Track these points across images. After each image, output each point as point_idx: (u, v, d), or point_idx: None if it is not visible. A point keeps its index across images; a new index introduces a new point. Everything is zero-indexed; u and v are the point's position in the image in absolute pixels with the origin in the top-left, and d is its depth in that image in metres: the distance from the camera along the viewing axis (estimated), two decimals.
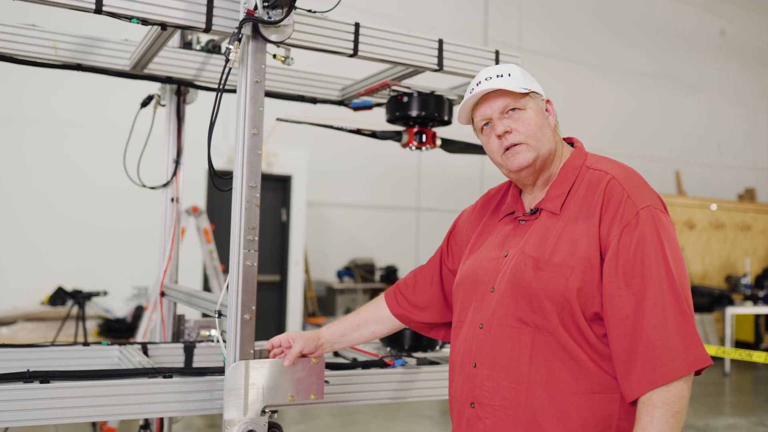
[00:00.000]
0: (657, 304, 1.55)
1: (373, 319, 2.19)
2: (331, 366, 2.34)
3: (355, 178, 10.36)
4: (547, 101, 1.84)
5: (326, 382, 2.17)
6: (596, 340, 1.63)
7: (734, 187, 13.13)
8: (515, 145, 1.77)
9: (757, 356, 3.73)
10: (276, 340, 2.08)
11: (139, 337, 5.47)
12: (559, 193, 1.77)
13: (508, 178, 1.92)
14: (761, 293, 10.51)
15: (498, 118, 1.79)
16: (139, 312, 7.31)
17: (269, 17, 2.01)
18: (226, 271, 6.52)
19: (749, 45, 14.24)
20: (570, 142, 1.91)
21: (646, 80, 12.76)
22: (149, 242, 7.80)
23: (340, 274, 9.85)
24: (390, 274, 10.08)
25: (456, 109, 2.94)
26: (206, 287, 7.48)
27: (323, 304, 9.85)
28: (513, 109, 1.78)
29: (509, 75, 1.79)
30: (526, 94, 1.79)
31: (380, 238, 10.56)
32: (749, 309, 9.92)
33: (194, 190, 7.64)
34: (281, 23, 2.03)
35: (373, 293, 10.04)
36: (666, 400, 1.52)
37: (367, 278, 9.94)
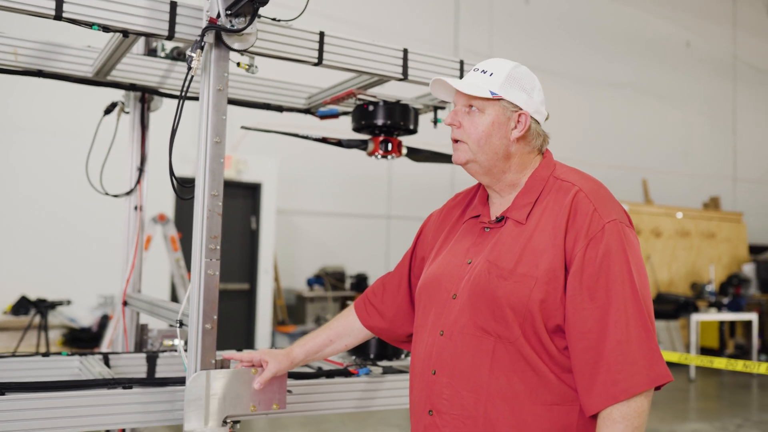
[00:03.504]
0: (620, 319, 1.55)
1: (345, 333, 2.16)
2: (294, 375, 2.33)
3: (325, 186, 10.35)
4: (520, 114, 1.77)
5: (289, 391, 2.16)
6: (557, 352, 1.63)
7: (699, 195, 13.35)
8: (458, 141, 1.80)
9: (719, 362, 3.79)
10: (247, 356, 2.04)
11: (104, 346, 5.40)
12: (525, 203, 1.76)
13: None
14: (725, 300, 10.69)
15: (458, 110, 1.80)
16: (104, 321, 7.20)
17: (232, 25, 2.00)
18: None
19: (713, 57, 14.53)
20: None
21: (614, 90, 12.96)
22: (115, 250, 7.73)
23: (310, 282, 9.82)
24: (360, 282, 10.07)
25: (422, 118, 2.96)
26: (174, 296, 7.41)
27: (293, 313, 9.81)
28: (474, 108, 1.77)
29: (491, 75, 1.77)
30: (495, 101, 1.76)
31: (351, 245, 10.55)
32: (714, 316, 10.07)
33: (162, 198, 7.56)
34: (244, 32, 2.02)
35: (344, 301, 10.02)
36: (626, 416, 1.53)
37: (338, 286, 9.92)
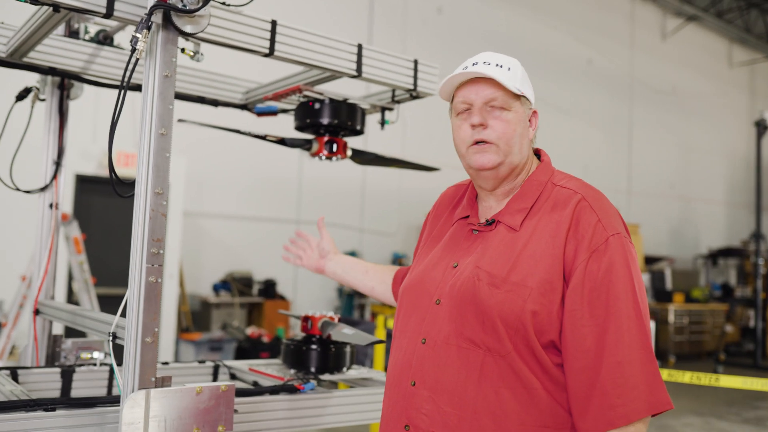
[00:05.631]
0: (622, 339, 1.45)
1: (378, 278, 2.21)
2: (236, 392, 2.13)
3: (234, 188, 10.01)
4: (534, 112, 1.71)
5: (235, 411, 1.97)
6: (552, 367, 1.51)
7: None
8: (485, 142, 1.63)
9: None
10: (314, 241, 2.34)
11: None
12: (520, 208, 1.64)
13: (468, 175, 1.76)
14: None
15: (480, 108, 1.64)
16: None
17: (183, 5, 1.80)
18: (97, 284, 6.06)
19: (612, 75, 15.14)
20: (537, 153, 1.80)
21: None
22: (7, 251, 7.16)
23: (217, 288, 9.45)
24: (269, 288, 9.78)
25: (370, 118, 2.83)
26: (71, 302, 6.92)
27: (198, 319, 9.41)
28: (498, 106, 1.63)
29: (509, 69, 1.64)
30: (517, 97, 1.65)
31: (259, 250, 10.24)
32: None
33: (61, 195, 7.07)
34: (197, 13, 1.82)
35: (251, 308, 9.72)
36: None
37: (245, 292, 9.60)
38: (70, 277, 6.65)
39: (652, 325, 8.12)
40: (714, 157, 17.56)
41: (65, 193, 7.14)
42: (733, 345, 13.77)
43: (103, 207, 7.68)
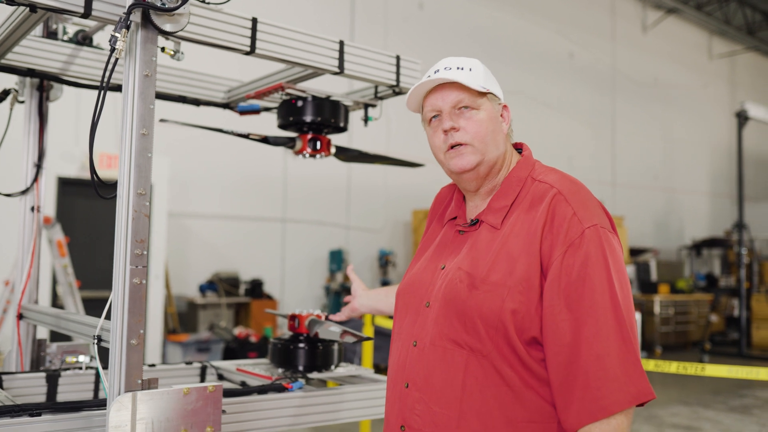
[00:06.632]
0: (600, 332, 1.44)
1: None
2: (224, 393, 2.12)
3: (218, 188, 9.96)
4: (504, 107, 1.72)
5: (223, 411, 1.96)
6: (535, 364, 1.52)
7: None
8: (460, 145, 1.65)
9: None
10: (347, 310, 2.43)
11: None
12: (501, 206, 1.65)
13: (451, 179, 1.78)
14: None
15: (448, 113, 1.66)
16: None
17: (162, 3, 1.79)
18: (81, 288, 6.02)
19: (594, 69, 15.21)
20: (518, 147, 1.80)
21: (506, 96, 13.25)
22: None
23: (203, 289, 9.40)
24: (255, 288, 9.74)
25: (353, 115, 2.82)
26: (55, 305, 6.87)
27: (184, 320, 9.36)
28: (466, 107, 1.65)
29: (470, 70, 1.66)
30: (483, 94, 1.66)
31: (245, 250, 10.21)
32: None
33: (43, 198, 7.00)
34: (176, 11, 1.81)
35: (238, 308, 9.68)
36: None
37: (232, 292, 9.56)
38: (55, 281, 6.60)
39: (638, 316, 8.14)
40: (696, 148, 17.69)
41: (47, 196, 7.09)
42: (718, 334, 13.90)
43: (86, 209, 7.62)
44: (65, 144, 7.49)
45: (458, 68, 1.66)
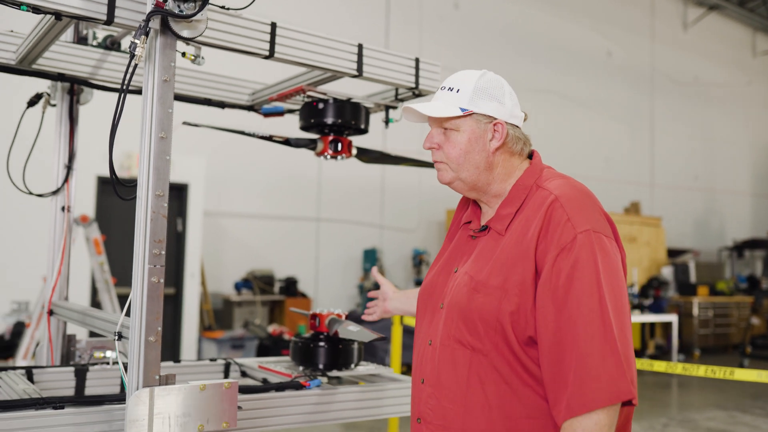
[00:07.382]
0: (586, 332, 1.50)
1: None
2: (242, 389, 2.17)
3: (253, 188, 10.09)
4: (495, 123, 1.74)
5: (239, 407, 2.01)
6: (532, 363, 1.59)
7: (620, 200, 13.73)
8: (439, 162, 1.77)
9: (659, 365, 3.82)
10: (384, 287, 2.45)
11: (20, 357, 5.06)
12: (507, 213, 1.72)
13: None
14: (646, 302, 11.01)
15: (434, 132, 1.77)
16: (19, 328, 6.78)
17: (180, 10, 1.84)
18: (118, 284, 6.16)
19: (633, 67, 14.99)
20: (531, 155, 1.84)
21: (539, 96, 13.16)
22: (32, 253, 7.29)
23: (238, 286, 9.55)
24: (290, 286, 9.86)
25: (373, 118, 2.85)
26: (94, 302, 7.04)
27: (220, 318, 9.51)
28: (446, 129, 1.74)
29: (457, 91, 1.73)
30: (461, 117, 1.72)
31: (279, 249, 10.32)
32: (636, 317, 10.34)
33: (82, 197, 7.18)
34: (194, 18, 1.86)
35: (273, 305, 9.80)
36: (586, 429, 1.48)
37: (266, 290, 9.69)
38: (94, 278, 6.77)
39: (675, 318, 8.01)
40: (738, 147, 17.32)
41: (86, 195, 7.27)
42: (760, 337, 13.58)
43: (123, 208, 7.77)
44: (105, 144, 7.65)
45: (449, 89, 1.75)
